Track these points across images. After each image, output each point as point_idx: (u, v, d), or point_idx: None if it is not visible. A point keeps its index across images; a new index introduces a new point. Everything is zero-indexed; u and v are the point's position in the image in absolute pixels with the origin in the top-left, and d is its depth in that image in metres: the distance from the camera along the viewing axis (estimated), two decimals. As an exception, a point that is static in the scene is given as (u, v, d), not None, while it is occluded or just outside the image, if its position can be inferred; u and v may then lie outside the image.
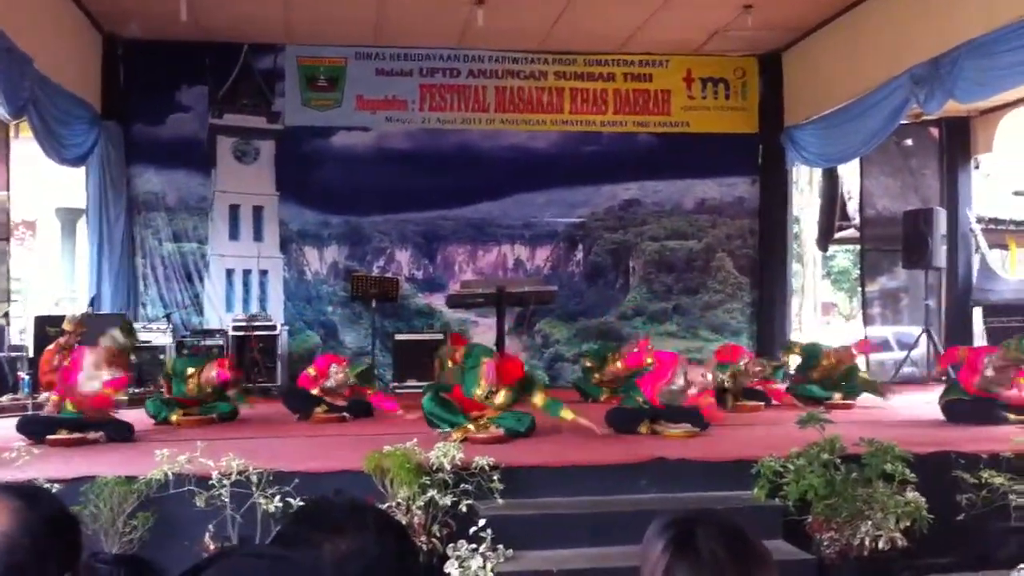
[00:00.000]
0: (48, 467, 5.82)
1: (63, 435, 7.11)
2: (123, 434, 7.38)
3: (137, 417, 8.02)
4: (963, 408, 8.16)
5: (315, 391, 8.86)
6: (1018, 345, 8.17)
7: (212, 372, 8.43)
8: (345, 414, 8.70)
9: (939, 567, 5.86)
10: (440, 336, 11.66)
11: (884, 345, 13.13)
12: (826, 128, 11.69)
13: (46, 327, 10.58)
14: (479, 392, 7.29)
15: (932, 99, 9.37)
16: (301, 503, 5.11)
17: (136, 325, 10.99)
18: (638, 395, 7.72)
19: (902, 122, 10.74)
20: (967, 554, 5.97)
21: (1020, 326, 11.45)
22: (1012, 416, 7.87)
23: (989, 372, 8.20)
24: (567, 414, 7.18)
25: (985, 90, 9.25)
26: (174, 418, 8.31)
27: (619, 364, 9.93)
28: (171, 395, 8.55)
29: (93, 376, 7.51)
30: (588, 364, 10.59)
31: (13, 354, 10.51)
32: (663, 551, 1.55)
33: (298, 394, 9.07)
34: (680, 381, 7.61)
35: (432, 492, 5.39)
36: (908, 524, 5.64)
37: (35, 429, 7.15)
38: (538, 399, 7.27)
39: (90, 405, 7.42)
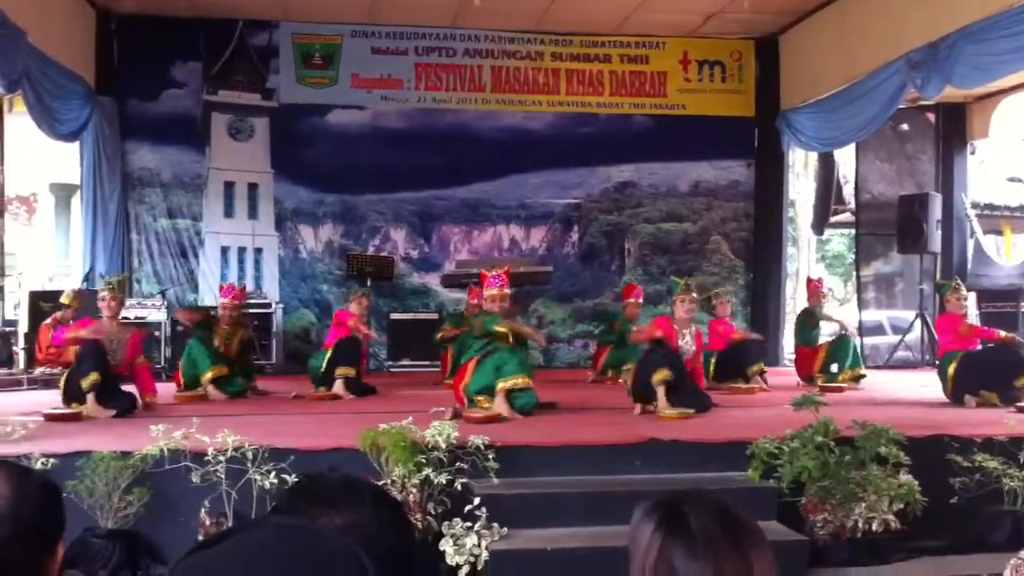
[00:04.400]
0: (44, 442, 5.81)
1: (59, 410, 7.13)
2: (126, 408, 7.41)
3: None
4: (977, 364, 8.20)
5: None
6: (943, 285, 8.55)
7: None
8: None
9: (932, 549, 5.87)
10: (435, 316, 11.68)
11: (878, 329, 13.17)
12: (823, 112, 11.67)
13: (40, 302, 10.58)
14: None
15: (929, 84, 9.35)
16: (296, 479, 5.12)
17: (131, 301, 10.99)
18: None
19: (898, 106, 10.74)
20: (960, 537, 5.98)
21: (1014, 311, 11.50)
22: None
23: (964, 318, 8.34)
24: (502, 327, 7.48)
25: (983, 75, 9.24)
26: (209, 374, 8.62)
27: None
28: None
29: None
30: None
31: (7, 329, 10.52)
32: (654, 533, 1.53)
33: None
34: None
35: (427, 470, 5.37)
36: (901, 507, 5.66)
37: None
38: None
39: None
